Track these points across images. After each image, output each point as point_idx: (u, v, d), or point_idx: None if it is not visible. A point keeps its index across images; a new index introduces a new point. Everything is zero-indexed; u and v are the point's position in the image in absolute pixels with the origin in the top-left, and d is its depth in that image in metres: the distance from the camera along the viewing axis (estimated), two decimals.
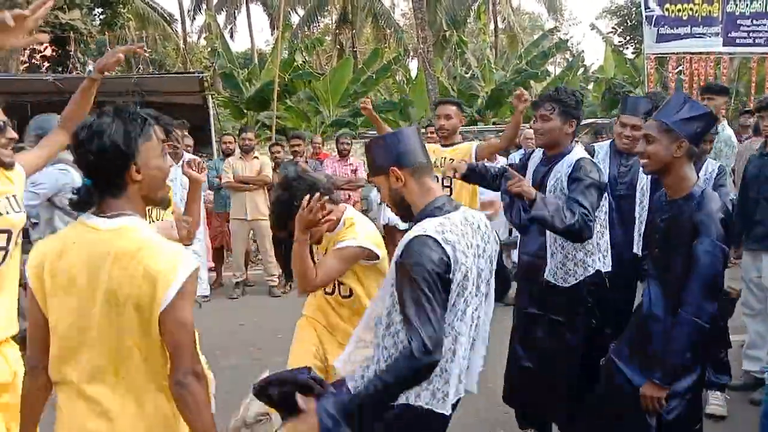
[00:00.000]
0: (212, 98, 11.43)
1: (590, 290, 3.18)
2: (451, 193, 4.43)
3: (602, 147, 3.90)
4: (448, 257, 1.93)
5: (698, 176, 3.73)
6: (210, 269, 7.92)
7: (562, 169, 3.17)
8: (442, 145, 4.58)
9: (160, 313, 1.72)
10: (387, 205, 2.21)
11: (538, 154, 3.42)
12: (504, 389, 3.48)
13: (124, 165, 1.76)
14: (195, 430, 1.76)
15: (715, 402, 3.85)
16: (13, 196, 2.49)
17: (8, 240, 2.42)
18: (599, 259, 3.23)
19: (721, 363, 3.88)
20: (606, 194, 3.28)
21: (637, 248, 3.64)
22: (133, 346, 1.76)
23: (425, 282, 1.88)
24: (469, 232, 2.05)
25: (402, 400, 1.98)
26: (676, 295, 2.48)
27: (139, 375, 1.78)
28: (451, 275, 1.94)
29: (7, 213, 2.45)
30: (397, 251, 2.00)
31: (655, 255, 2.72)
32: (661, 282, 2.64)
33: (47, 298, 1.79)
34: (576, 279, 3.16)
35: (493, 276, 2.20)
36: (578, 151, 3.24)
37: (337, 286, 3.01)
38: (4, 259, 2.42)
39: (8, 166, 2.50)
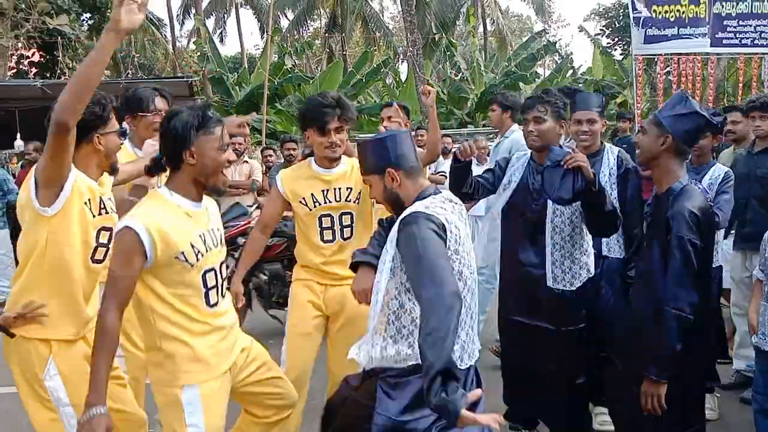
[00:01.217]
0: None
1: (589, 292, 3.22)
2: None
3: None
4: (441, 223, 2.12)
5: (702, 180, 3.74)
6: None
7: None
8: None
9: None
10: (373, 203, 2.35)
11: (522, 160, 3.38)
12: (505, 395, 3.49)
13: (180, 148, 2.20)
14: None
15: (705, 406, 3.85)
16: (109, 198, 2.71)
17: (110, 238, 2.59)
18: (592, 261, 3.27)
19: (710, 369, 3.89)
20: None
21: (606, 249, 3.56)
22: None
23: (431, 248, 2.03)
24: (449, 208, 2.24)
25: (412, 361, 2.11)
26: (653, 287, 2.57)
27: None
28: (449, 245, 2.12)
29: (112, 211, 2.67)
30: (392, 235, 2.18)
31: (642, 250, 2.85)
32: (643, 274, 2.73)
33: None
34: (580, 281, 3.19)
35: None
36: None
37: (339, 233, 3.19)
38: (105, 255, 2.61)
39: (115, 173, 2.73)
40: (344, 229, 3.21)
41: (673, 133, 2.59)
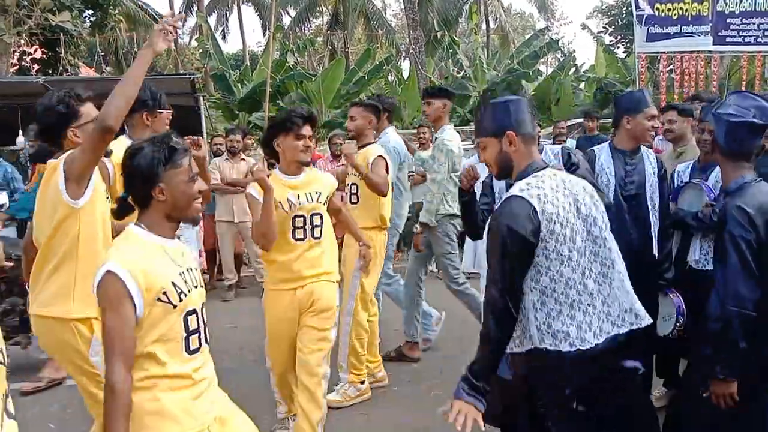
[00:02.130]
0: (204, 100, 11.39)
1: None
2: (357, 201, 4.48)
3: (601, 149, 3.71)
4: (536, 212, 2.23)
5: (708, 179, 3.67)
6: (203, 272, 7.91)
7: None
8: (359, 147, 4.66)
9: None
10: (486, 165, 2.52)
11: None
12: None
13: (149, 185, 2.09)
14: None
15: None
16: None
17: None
18: None
19: None
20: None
21: (657, 251, 3.54)
22: None
23: (510, 243, 2.21)
24: (560, 186, 2.33)
25: (528, 346, 2.30)
26: (718, 288, 2.56)
27: None
28: (542, 228, 2.23)
29: (108, 200, 2.87)
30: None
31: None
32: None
33: None
34: None
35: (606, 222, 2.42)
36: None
37: (309, 232, 3.47)
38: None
39: (108, 154, 2.91)
40: (315, 229, 3.50)
41: (716, 135, 2.62)
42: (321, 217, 3.53)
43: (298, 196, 3.48)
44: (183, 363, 2.11)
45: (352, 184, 4.54)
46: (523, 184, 2.30)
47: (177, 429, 2.06)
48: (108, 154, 2.90)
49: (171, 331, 2.08)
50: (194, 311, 2.16)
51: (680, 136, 4.42)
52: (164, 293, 2.05)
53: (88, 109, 2.81)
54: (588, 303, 2.29)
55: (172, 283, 2.08)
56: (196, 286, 2.19)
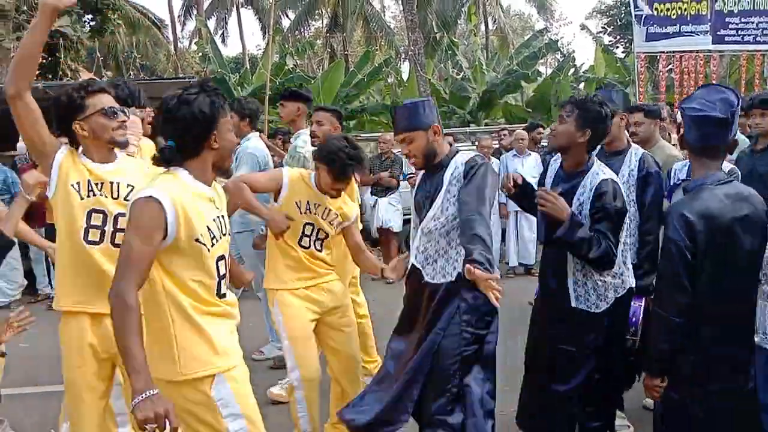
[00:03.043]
0: None
1: (618, 312, 3.05)
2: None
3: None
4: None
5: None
6: None
7: (584, 195, 2.99)
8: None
9: None
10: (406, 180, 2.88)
11: (559, 161, 3.23)
12: (519, 413, 3.31)
13: (207, 132, 2.07)
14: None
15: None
16: (113, 182, 2.69)
17: (103, 221, 2.63)
18: (629, 276, 3.09)
19: None
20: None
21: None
22: None
23: (489, 183, 2.84)
24: None
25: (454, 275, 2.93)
26: None
27: None
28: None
29: (101, 194, 2.65)
30: (458, 173, 2.91)
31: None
32: None
33: None
34: (607, 303, 3.01)
35: None
36: (598, 170, 3.05)
37: (313, 242, 3.46)
38: (102, 237, 2.63)
39: (122, 145, 2.73)
40: (317, 242, 3.48)
41: (684, 131, 2.55)
42: (327, 235, 3.48)
43: (317, 205, 3.42)
44: (217, 304, 2.20)
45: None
46: (465, 156, 2.97)
47: (227, 360, 2.18)
48: (123, 145, 2.73)
49: (207, 274, 2.14)
50: (223, 257, 2.21)
51: (647, 139, 4.23)
52: (201, 236, 2.09)
53: (96, 100, 2.63)
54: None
55: (207, 227, 2.12)
56: (224, 234, 2.23)
